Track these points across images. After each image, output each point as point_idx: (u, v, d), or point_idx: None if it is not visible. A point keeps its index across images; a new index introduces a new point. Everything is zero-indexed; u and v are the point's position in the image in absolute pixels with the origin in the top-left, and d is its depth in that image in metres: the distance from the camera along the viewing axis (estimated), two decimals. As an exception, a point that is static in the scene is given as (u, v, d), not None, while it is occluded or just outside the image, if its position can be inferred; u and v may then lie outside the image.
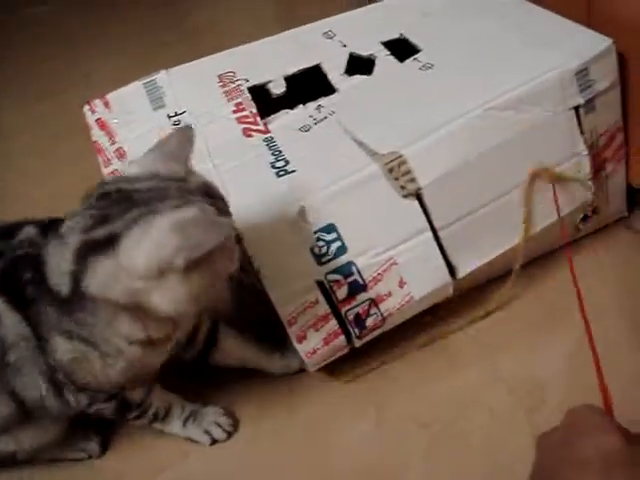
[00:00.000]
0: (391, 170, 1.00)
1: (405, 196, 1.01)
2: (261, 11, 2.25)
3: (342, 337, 0.99)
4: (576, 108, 1.06)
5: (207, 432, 1.01)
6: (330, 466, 0.97)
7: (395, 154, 1.00)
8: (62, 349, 0.83)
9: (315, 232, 0.98)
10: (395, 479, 0.95)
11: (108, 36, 2.26)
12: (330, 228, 0.99)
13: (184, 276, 0.76)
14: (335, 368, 1.05)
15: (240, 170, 1.05)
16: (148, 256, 0.74)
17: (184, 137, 0.85)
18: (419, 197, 1.01)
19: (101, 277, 0.77)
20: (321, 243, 0.99)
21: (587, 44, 1.08)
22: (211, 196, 0.82)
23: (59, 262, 0.79)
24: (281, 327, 0.98)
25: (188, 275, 0.76)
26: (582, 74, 1.05)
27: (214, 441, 1.02)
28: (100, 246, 0.76)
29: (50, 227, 0.83)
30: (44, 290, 0.80)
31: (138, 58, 2.06)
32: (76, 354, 0.83)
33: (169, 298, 0.78)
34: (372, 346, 1.04)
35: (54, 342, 0.82)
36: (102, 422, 1.05)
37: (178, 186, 0.79)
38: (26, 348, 0.83)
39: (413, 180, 1.00)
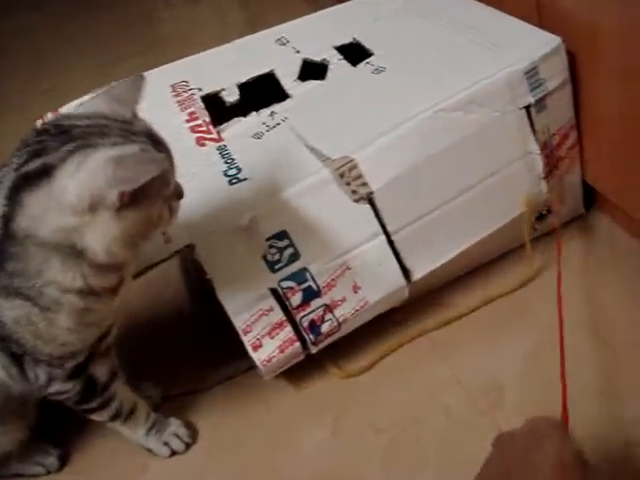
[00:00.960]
0: (342, 175, 1.00)
1: (357, 200, 1.00)
2: (228, 20, 2.26)
3: (298, 344, 0.99)
4: (527, 107, 1.07)
5: (166, 444, 1.00)
6: (289, 476, 0.96)
7: (346, 159, 1.00)
8: (3, 310, 0.80)
9: (267, 239, 0.98)
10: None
11: (73, 48, 2.26)
12: (282, 235, 0.98)
13: (117, 214, 0.74)
14: (293, 375, 1.04)
15: (193, 179, 1.04)
16: (81, 187, 0.72)
17: (134, 84, 0.84)
18: (371, 201, 1.01)
19: (32, 212, 0.74)
20: (274, 250, 0.98)
21: (536, 43, 1.08)
22: (154, 140, 0.80)
23: None
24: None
25: (121, 214, 0.74)
26: (531, 73, 1.06)
27: (173, 453, 1.01)
28: (33, 179, 0.74)
29: None
30: None
31: (103, 69, 2.05)
32: (17, 312, 0.80)
33: (101, 237, 0.75)
34: (329, 352, 1.04)
35: None
36: (61, 436, 1.05)
37: (121, 127, 0.78)
38: None
39: (364, 184, 1.00)
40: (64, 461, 1.04)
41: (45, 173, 0.74)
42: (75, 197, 0.73)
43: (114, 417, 0.97)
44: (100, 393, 0.94)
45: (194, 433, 1.02)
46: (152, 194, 0.76)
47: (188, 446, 1.01)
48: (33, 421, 0.99)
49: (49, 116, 1.19)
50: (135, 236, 0.79)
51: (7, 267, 0.78)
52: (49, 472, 1.03)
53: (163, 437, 1.00)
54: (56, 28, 2.46)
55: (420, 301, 1.10)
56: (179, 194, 0.84)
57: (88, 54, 2.21)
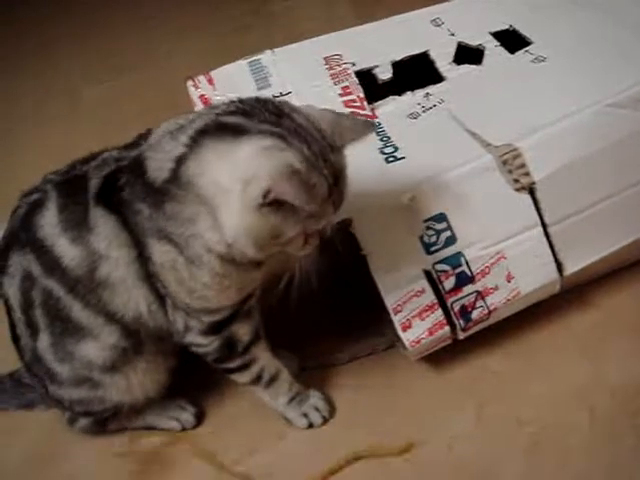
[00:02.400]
0: (505, 162, 0.99)
1: (518, 189, 0.99)
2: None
3: (447, 328, 0.98)
4: (696, 109, 1.04)
5: (305, 415, 1.00)
6: (423, 461, 0.95)
7: (510, 146, 0.99)
8: (156, 252, 0.84)
9: (425, 220, 0.97)
10: (491, 477, 0.93)
11: (190, 15, 2.28)
12: (441, 217, 0.98)
13: (255, 208, 0.76)
14: (433, 359, 1.04)
15: (348, 154, 1.04)
16: (247, 165, 0.76)
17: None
18: (532, 191, 1.00)
19: (205, 156, 0.78)
20: (431, 232, 0.98)
21: None
22: None
23: (168, 149, 0.81)
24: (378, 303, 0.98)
25: (260, 210, 0.77)
26: (703, 73, 1.03)
27: (310, 425, 1.01)
28: (223, 130, 0.79)
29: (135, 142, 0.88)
30: (140, 185, 0.83)
31: (215, 41, 2.05)
32: (165, 257, 0.84)
33: (229, 219, 0.79)
34: (471, 339, 1.03)
35: (150, 246, 0.84)
36: (198, 394, 1.06)
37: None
38: (124, 260, 0.85)
39: (527, 174, 0.99)
40: (200, 419, 1.05)
41: (236, 131, 0.78)
42: (240, 168, 0.77)
43: (255, 381, 0.98)
44: (241, 354, 0.95)
45: (332, 407, 1.02)
46: (294, 212, 0.78)
47: (326, 420, 1.01)
48: (174, 364, 1.00)
49: (200, 79, 1.20)
50: (264, 238, 0.80)
51: (166, 208, 0.81)
52: (184, 428, 1.04)
53: (303, 408, 1.01)
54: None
55: (563, 296, 1.08)
56: (323, 233, 0.85)
57: (204, 22, 2.22)
